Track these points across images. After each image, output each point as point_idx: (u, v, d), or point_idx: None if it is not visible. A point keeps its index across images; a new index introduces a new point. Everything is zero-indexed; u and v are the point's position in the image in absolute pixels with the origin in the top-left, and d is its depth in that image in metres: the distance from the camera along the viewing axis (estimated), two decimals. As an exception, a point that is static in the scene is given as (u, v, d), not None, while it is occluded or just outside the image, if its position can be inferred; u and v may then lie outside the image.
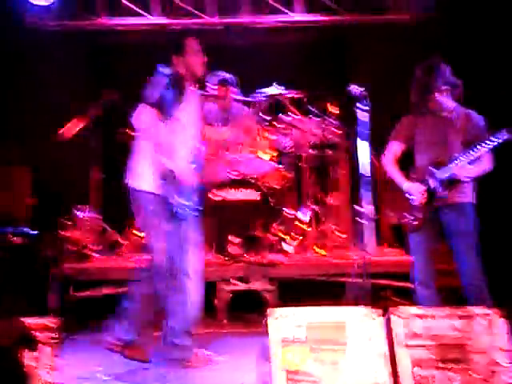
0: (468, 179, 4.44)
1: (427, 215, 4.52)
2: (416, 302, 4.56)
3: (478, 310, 3.56)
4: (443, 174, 4.45)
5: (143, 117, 4.41)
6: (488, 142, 4.31)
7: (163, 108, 4.40)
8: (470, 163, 4.41)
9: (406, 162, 4.72)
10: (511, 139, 4.27)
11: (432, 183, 4.49)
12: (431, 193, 4.50)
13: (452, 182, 4.44)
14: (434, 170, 4.48)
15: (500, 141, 4.28)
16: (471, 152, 4.37)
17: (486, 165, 4.46)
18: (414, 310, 3.59)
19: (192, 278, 4.55)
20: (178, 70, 4.56)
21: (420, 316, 3.51)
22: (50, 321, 3.38)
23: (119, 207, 6.80)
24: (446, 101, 4.53)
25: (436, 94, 4.49)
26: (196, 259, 4.61)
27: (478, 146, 4.34)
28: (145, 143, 4.44)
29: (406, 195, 4.56)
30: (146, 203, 4.45)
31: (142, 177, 4.43)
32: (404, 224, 4.60)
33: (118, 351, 4.46)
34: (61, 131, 6.35)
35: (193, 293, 4.54)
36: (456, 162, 4.40)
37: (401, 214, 4.58)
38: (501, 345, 3.45)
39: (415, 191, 4.53)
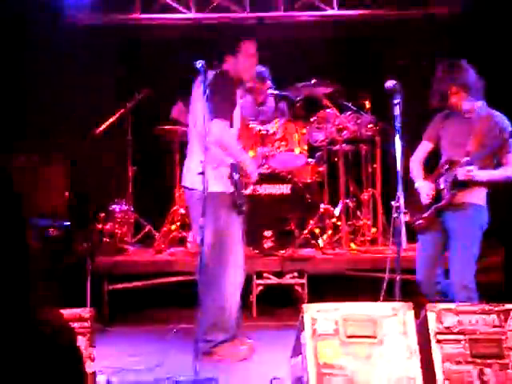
0: (473, 182, 4.35)
1: (433, 216, 4.48)
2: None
3: (511, 305, 3.54)
4: (451, 175, 4.41)
5: (223, 133, 4.40)
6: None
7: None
8: (484, 167, 4.34)
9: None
10: None
11: (442, 183, 4.46)
12: (439, 193, 4.47)
13: (458, 184, 4.38)
14: (445, 171, 4.45)
15: None
16: (484, 154, 4.33)
17: (506, 171, 4.38)
18: (446, 305, 3.59)
19: (233, 277, 4.57)
20: (227, 69, 4.57)
21: (453, 311, 3.50)
22: (84, 311, 3.45)
23: (153, 200, 6.96)
24: (464, 102, 4.45)
25: (451, 97, 4.43)
26: (238, 255, 4.63)
27: (491, 147, 4.31)
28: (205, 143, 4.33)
29: (419, 194, 4.54)
30: (212, 203, 4.34)
31: (211, 177, 4.27)
32: (412, 223, 4.57)
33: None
34: (99, 128, 6.45)
35: (228, 290, 4.56)
36: (461, 165, 4.35)
37: (412, 212, 4.51)
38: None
39: (424, 190, 4.52)
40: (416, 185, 4.58)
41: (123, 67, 7.38)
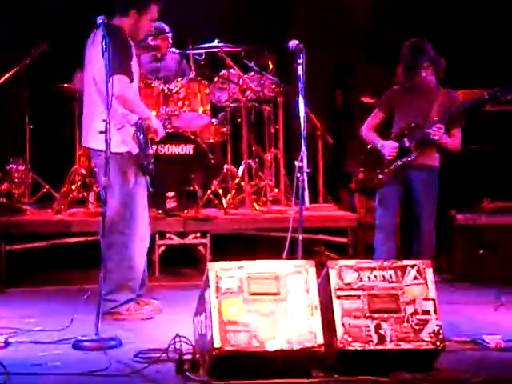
0: (440, 140, 4.71)
1: (395, 171, 4.82)
2: (374, 250, 4.94)
3: (408, 261, 3.67)
4: (419, 134, 4.75)
5: (125, 89, 4.33)
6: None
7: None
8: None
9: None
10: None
11: (406, 142, 4.80)
12: (402, 150, 4.80)
13: (424, 143, 4.75)
14: (410, 131, 4.79)
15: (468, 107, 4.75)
16: (446, 118, 4.72)
17: (454, 141, 4.81)
18: (346, 262, 3.68)
19: (140, 236, 4.54)
20: (122, 24, 4.45)
21: (352, 267, 3.60)
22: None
23: (53, 160, 6.78)
24: (428, 77, 4.82)
25: (421, 71, 4.78)
26: (144, 216, 4.59)
27: (451, 116, 4.73)
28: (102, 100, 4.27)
29: (380, 152, 4.86)
30: (119, 164, 4.32)
31: (117, 138, 4.22)
32: (371, 178, 4.92)
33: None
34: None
35: (136, 250, 4.52)
36: (432, 124, 4.70)
37: (369, 170, 4.92)
38: (429, 294, 3.58)
39: (388, 147, 4.84)
40: (379, 145, 4.87)
41: (19, 20, 7.07)
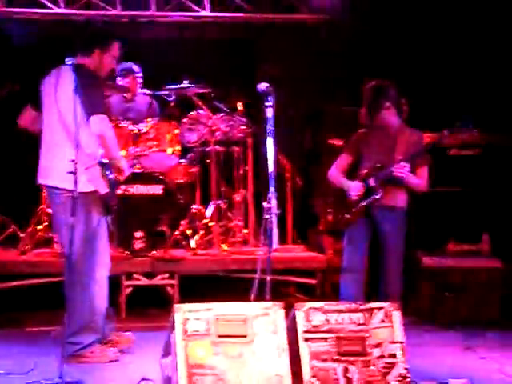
0: (404, 178, 4.74)
1: (361, 211, 4.84)
2: (340, 291, 4.92)
3: (375, 304, 3.68)
4: (383, 173, 4.79)
5: (106, 128, 4.40)
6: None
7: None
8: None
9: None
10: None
11: (371, 182, 4.82)
12: (368, 190, 4.83)
13: (389, 182, 4.77)
14: (375, 171, 4.82)
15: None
16: (410, 158, 4.76)
17: (420, 180, 4.83)
18: (314, 304, 3.68)
19: (100, 276, 4.51)
20: (86, 63, 4.48)
21: (320, 310, 3.60)
22: None
23: (18, 200, 6.71)
24: (391, 118, 4.89)
25: (383, 112, 4.84)
26: (105, 254, 4.57)
27: (415, 155, 4.77)
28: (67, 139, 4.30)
29: (346, 193, 4.89)
30: (84, 204, 4.31)
31: (83, 178, 4.24)
32: (339, 219, 4.95)
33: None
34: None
35: (96, 290, 4.49)
36: (397, 163, 4.74)
37: (337, 211, 4.96)
38: (396, 337, 3.58)
39: (354, 188, 4.87)
40: (345, 186, 4.92)
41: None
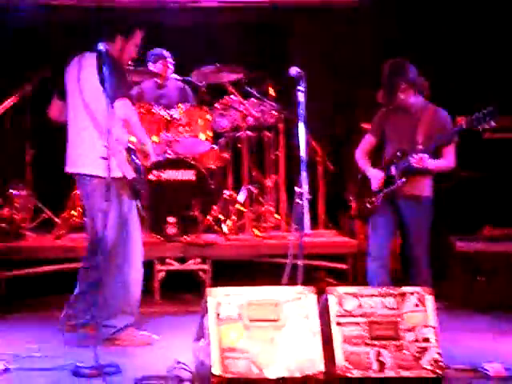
0: (424, 170, 4.63)
1: (382, 201, 4.78)
2: (366, 277, 4.87)
3: (408, 288, 3.67)
4: (403, 163, 4.68)
5: (130, 112, 4.44)
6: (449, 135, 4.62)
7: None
8: (431, 157, 4.63)
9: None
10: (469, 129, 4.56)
11: (392, 171, 4.74)
12: (389, 179, 4.76)
13: (409, 172, 4.67)
14: (397, 160, 4.73)
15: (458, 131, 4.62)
16: (433, 146, 4.63)
17: (447, 161, 4.70)
18: (346, 289, 3.69)
19: (135, 260, 4.54)
20: (109, 50, 4.50)
21: (353, 294, 3.60)
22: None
23: (54, 185, 6.79)
24: (410, 98, 4.75)
25: (400, 93, 4.72)
26: (138, 239, 4.60)
27: (439, 139, 4.62)
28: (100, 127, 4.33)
29: (369, 180, 4.85)
30: (118, 189, 4.38)
31: (113, 163, 4.22)
32: (362, 208, 4.92)
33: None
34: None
35: (132, 274, 4.52)
36: (416, 153, 4.61)
37: (361, 199, 4.92)
38: (429, 322, 3.57)
39: (375, 177, 4.81)
40: (368, 173, 4.87)
41: (21, 48, 7.13)
